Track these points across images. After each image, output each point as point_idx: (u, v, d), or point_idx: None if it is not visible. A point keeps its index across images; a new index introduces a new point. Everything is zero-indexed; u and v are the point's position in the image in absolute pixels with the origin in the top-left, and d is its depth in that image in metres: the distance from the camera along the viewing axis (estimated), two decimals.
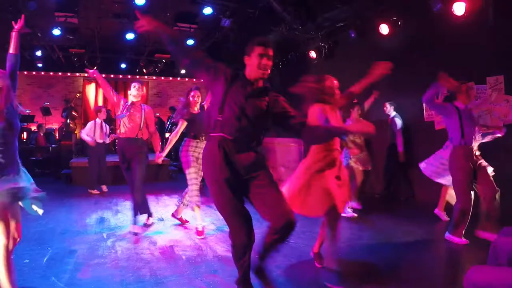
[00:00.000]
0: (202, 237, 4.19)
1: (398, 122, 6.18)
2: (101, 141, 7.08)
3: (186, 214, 4.86)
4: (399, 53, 6.25)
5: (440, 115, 3.94)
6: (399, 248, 3.87)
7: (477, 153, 4.02)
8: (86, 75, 12.04)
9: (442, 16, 5.48)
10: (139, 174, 4.27)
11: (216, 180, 2.31)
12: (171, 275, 3.08)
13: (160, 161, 4.48)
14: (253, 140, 2.38)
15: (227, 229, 2.40)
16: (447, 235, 4.01)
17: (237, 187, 2.31)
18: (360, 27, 6.94)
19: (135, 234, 4.25)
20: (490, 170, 4.01)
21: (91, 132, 6.95)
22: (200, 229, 4.26)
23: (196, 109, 4.40)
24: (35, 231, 4.25)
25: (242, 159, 2.31)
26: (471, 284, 1.71)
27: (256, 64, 2.31)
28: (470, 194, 3.89)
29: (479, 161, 3.95)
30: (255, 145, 2.39)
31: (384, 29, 6.44)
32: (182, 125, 4.34)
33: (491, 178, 3.92)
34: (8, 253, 2.27)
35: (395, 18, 6.28)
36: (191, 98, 4.37)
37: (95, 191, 7.01)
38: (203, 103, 4.52)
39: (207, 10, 6.96)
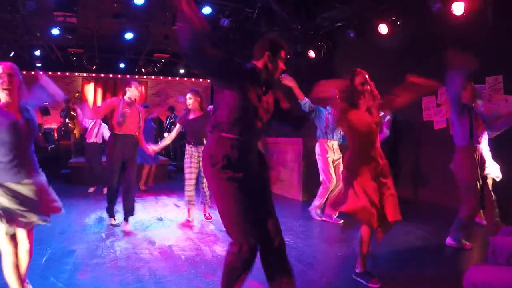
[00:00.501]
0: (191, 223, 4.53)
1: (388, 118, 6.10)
2: (89, 139, 7.06)
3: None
4: (398, 53, 6.26)
5: (455, 113, 3.79)
6: (399, 248, 3.87)
7: (487, 158, 3.83)
8: (85, 74, 12.04)
9: (441, 16, 5.48)
10: (133, 175, 4.47)
11: (220, 182, 2.13)
12: (170, 275, 3.08)
13: (150, 150, 4.56)
14: (260, 139, 2.39)
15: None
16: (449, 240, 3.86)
17: (244, 187, 2.12)
18: (359, 27, 6.93)
19: (128, 232, 4.32)
20: (490, 179, 3.89)
21: (86, 125, 7.07)
22: (190, 219, 4.68)
23: (189, 107, 4.57)
24: (33, 231, 4.23)
25: (252, 160, 2.23)
26: (470, 283, 1.71)
27: (278, 68, 2.27)
28: (478, 192, 3.66)
29: (483, 166, 3.78)
30: (259, 143, 2.37)
31: (383, 29, 6.44)
32: (176, 128, 4.68)
33: (490, 188, 3.79)
34: (19, 260, 2.38)
35: (394, 18, 6.27)
36: (186, 100, 4.61)
37: (91, 189, 7.09)
38: (210, 106, 4.51)
39: (206, 10, 6.94)
